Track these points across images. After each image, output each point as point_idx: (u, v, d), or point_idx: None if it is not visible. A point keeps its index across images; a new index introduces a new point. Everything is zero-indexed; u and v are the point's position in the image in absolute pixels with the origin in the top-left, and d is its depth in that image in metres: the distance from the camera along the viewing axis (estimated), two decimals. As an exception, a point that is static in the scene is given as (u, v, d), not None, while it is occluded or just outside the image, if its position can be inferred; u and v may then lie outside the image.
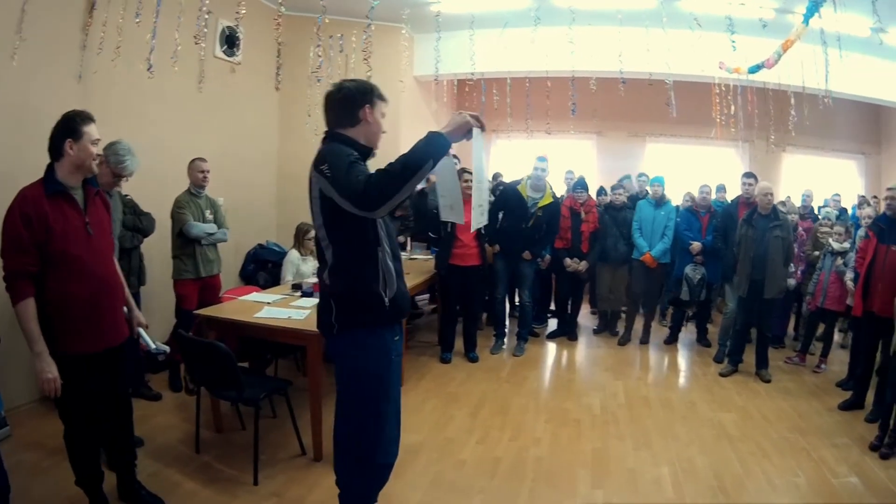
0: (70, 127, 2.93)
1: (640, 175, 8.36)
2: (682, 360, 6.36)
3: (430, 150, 2.32)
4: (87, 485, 3.13)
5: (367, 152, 2.61)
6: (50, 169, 2.92)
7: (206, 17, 5.78)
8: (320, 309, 2.69)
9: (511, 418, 4.70)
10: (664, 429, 4.45)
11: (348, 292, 2.59)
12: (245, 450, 3.84)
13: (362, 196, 2.28)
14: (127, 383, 3.39)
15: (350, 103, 2.61)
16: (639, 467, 3.84)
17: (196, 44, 5.72)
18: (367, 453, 2.70)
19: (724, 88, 7.85)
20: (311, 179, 2.49)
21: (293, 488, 3.51)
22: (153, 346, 3.40)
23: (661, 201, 6.67)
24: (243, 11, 5.93)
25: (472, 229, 2.73)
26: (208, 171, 5.20)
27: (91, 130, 2.99)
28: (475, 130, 2.47)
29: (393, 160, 2.30)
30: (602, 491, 3.56)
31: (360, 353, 2.61)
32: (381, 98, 2.66)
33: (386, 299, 2.57)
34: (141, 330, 3.32)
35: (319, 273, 2.69)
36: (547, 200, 6.24)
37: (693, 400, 5.06)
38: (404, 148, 2.32)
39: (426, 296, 8.33)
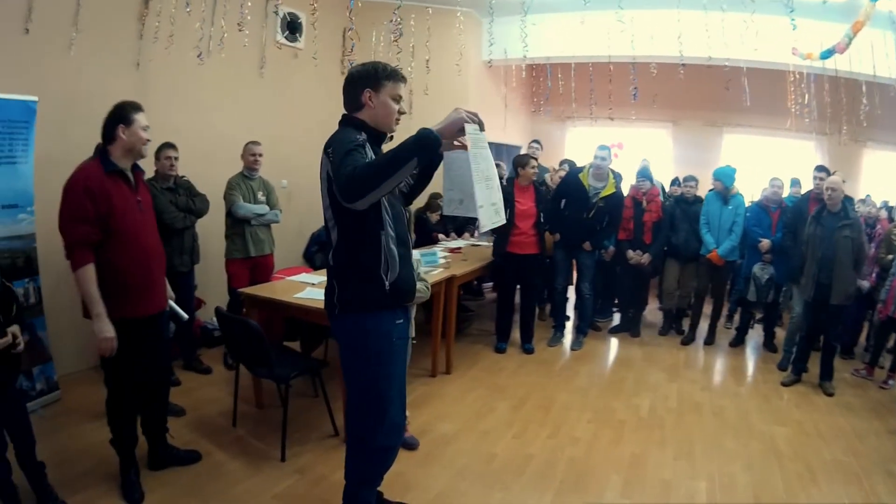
0: (122, 114, 3.17)
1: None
2: (745, 365, 6.05)
3: (416, 146, 2.29)
4: (122, 446, 3.35)
5: (380, 135, 2.62)
6: (104, 151, 3.18)
7: (261, 3, 5.90)
8: (326, 290, 2.71)
9: (553, 415, 4.61)
10: (710, 439, 4.25)
11: (349, 274, 2.61)
12: (280, 427, 3.87)
13: (345, 187, 2.28)
14: (167, 354, 3.78)
15: (351, 88, 2.61)
16: (675, 479, 3.66)
17: (240, 31, 5.84)
18: (367, 435, 2.74)
19: (798, 76, 7.39)
20: (322, 161, 2.51)
21: (317, 467, 3.56)
22: (183, 314, 3.68)
23: (728, 195, 6.33)
24: None
25: (484, 230, 2.61)
26: (260, 155, 5.33)
27: (140, 118, 3.22)
28: (469, 128, 2.41)
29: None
30: (629, 501, 3.42)
31: (360, 335, 2.63)
32: (391, 79, 2.60)
33: (386, 283, 2.58)
34: (170, 301, 3.57)
35: (325, 254, 2.71)
36: (609, 190, 6.04)
37: (747, 409, 4.81)
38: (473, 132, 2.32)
39: (490, 284, 8.30)
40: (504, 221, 2.69)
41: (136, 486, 3.30)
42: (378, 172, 2.27)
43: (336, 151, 2.39)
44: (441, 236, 7.39)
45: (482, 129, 2.52)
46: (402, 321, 2.72)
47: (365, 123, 2.58)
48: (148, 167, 4.40)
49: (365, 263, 2.58)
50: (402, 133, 2.51)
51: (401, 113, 2.66)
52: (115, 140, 3.17)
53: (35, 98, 4.35)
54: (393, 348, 2.68)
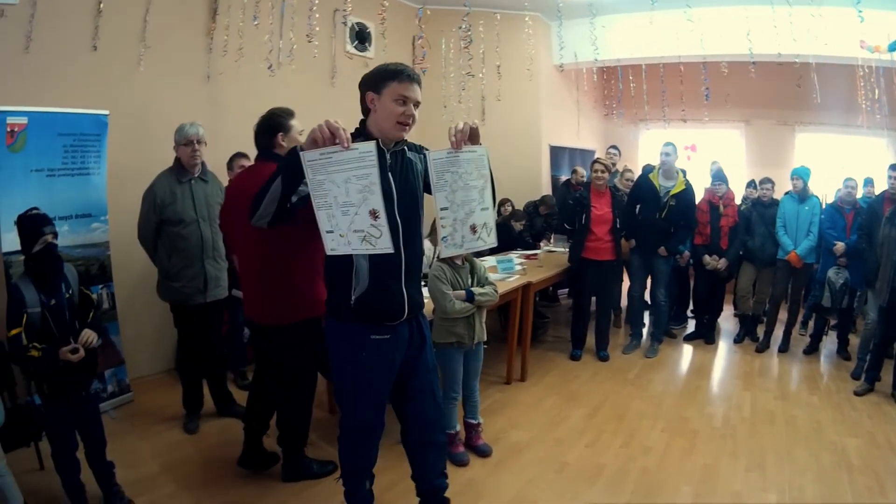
0: (279, 122, 3.45)
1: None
2: (818, 373, 5.98)
3: (281, 169, 2.43)
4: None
5: (388, 143, 2.54)
6: (267, 154, 3.39)
7: (329, 15, 6.23)
8: None
9: (627, 423, 4.71)
10: (782, 450, 4.28)
11: (326, 281, 2.73)
12: None
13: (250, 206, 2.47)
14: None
15: (360, 92, 2.59)
16: (746, 491, 3.73)
17: (309, 42, 6.08)
18: (340, 432, 2.85)
19: (866, 70, 7.18)
20: None
21: (388, 473, 3.51)
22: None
23: (804, 196, 6.28)
24: (355, 8, 6.49)
25: (444, 255, 2.61)
26: None
27: (296, 124, 3.50)
28: (306, 156, 2.30)
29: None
30: (700, 514, 3.51)
31: (330, 339, 2.71)
32: (394, 78, 2.47)
33: (352, 297, 2.56)
34: None
35: None
36: (679, 188, 6.05)
37: (820, 419, 4.81)
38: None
39: (565, 290, 8.41)
40: (378, 251, 2.40)
41: None
42: (260, 192, 2.41)
43: None
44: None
45: (345, 146, 2.28)
46: (384, 337, 2.63)
47: (368, 131, 2.54)
48: (222, 176, 4.75)
49: (335, 274, 2.61)
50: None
51: (407, 115, 2.49)
52: (276, 148, 3.38)
53: (106, 112, 4.62)
54: (361, 361, 2.62)
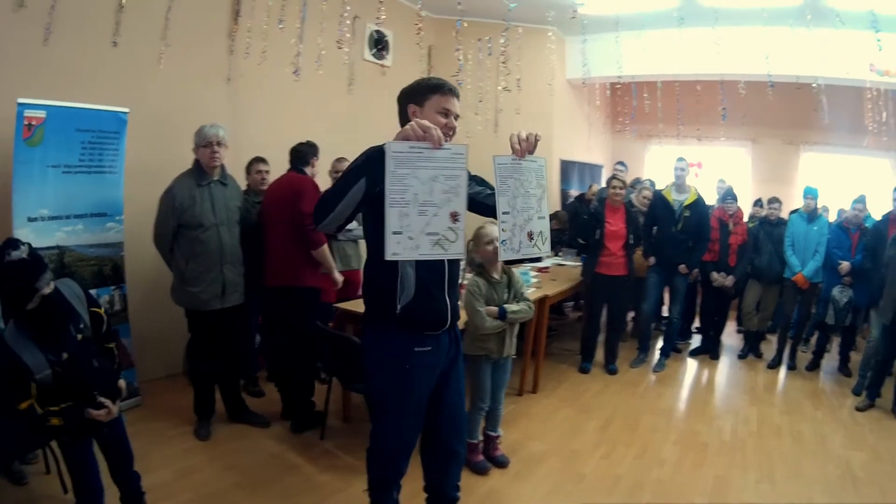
0: (315, 151, 4.62)
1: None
2: (821, 389, 6.15)
3: (364, 167, 2.31)
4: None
5: None
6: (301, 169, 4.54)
7: (350, 21, 6.37)
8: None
9: (639, 435, 4.84)
10: (790, 462, 4.44)
11: (369, 290, 2.66)
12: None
13: (314, 209, 2.41)
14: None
15: (400, 105, 2.62)
16: (757, 502, 3.88)
17: (339, 48, 6.20)
18: (371, 439, 2.84)
19: (875, 93, 7.38)
20: None
21: (408, 482, 3.23)
22: None
23: (813, 215, 6.45)
24: (383, 16, 6.45)
25: (388, 257, 2.43)
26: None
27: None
28: (394, 146, 2.23)
29: None
30: (715, 524, 3.65)
31: (371, 351, 2.66)
32: (436, 91, 2.52)
33: (398, 306, 2.53)
34: None
35: None
36: (692, 198, 6.23)
37: (825, 434, 4.98)
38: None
39: (570, 303, 8.53)
40: (450, 256, 2.43)
41: None
42: (334, 194, 2.33)
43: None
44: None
45: (436, 145, 2.26)
46: (426, 349, 2.63)
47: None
48: (240, 180, 4.74)
49: (379, 282, 2.57)
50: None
51: (449, 128, 2.52)
52: (308, 166, 4.55)
53: (126, 109, 4.57)
54: (404, 374, 2.60)
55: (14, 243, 2.61)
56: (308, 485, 3.81)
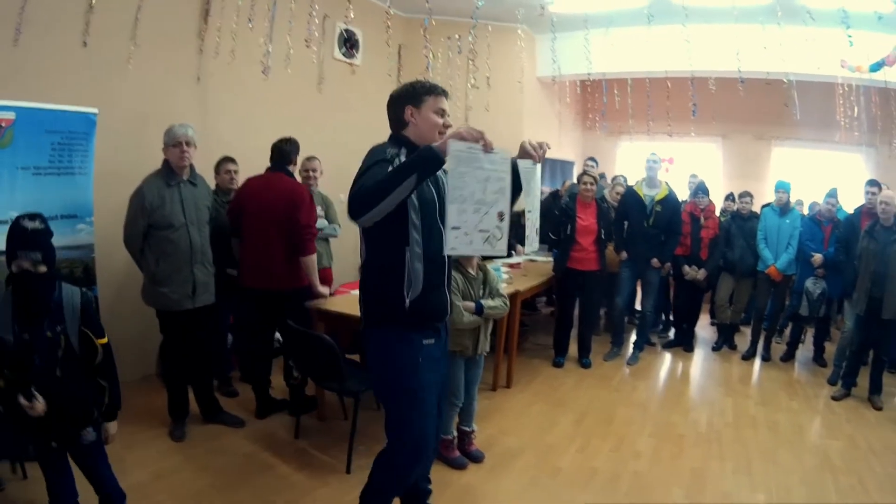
0: (297, 149, 4.66)
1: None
2: (796, 379, 6.16)
3: (416, 163, 2.30)
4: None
5: None
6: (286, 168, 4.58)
7: (319, 20, 6.28)
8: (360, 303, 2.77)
9: (615, 428, 4.80)
10: (767, 453, 4.42)
11: (372, 288, 2.68)
12: (343, 439, 4.03)
13: (350, 203, 2.33)
14: None
15: (394, 107, 2.68)
16: (735, 492, 3.85)
17: (307, 47, 6.10)
18: (391, 449, 2.77)
19: (846, 89, 7.45)
20: None
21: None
22: None
23: (786, 209, 6.48)
24: (352, 15, 6.35)
25: (447, 252, 2.46)
26: (315, 170, 5.38)
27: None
28: (456, 145, 2.29)
29: None
30: (694, 514, 3.60)
31: (380, 350, 2.68)
32: (431, 93, 2.63)
33: (406, 301, 2.58)
34: None
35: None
36: (663, 193, 6.24)
37: (801, 423, 4.97)
38: None
39: (543, 298, 8.48)
40: (496, 253, 2.52)
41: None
42: (378, 189, 2.29)
43: (363, 164, 2.48)
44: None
45: (485, 148, 2.34)
46: (431, 341, 2.73)
47: (409, 140, 2.62)
48: (209, 180, 4.65)
49: (386, 279, 2.60)
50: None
51: (445, 126, 2.65)
52: (292, 164, 4.62)
53: (95, 110, 4.43)
54: (416, 368, 2.65)
55: (35, 216, 2.72)
56: (283, 484, 3.76)
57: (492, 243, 2.43)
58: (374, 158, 2.45)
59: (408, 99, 2.64)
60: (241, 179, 4.93)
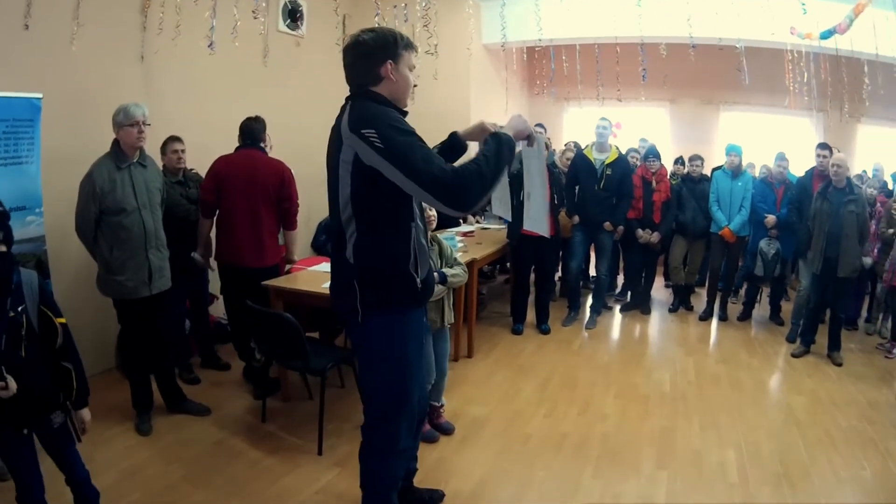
0: (264, 126, 4.72)
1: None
2: (754, 338, 6.24)
3: (509, 154, 2.24)
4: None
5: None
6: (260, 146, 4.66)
7: None
8: (340, 291, 2.47)
9: (580, 392, 4.79)
10: (732, 409, 4.46)
11: (377, 272, 2.36)
12: (311, 419, 3.98)
13: (454, 192, 2.10)
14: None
15: (367, 60, 2.31)
16: (705, 449, 3.88)
17: (255, 18, 5.90)
18: (393, 438, 2.59)
19: (796, 55, 7.47)
20: (343, 141, 2.23)
21: (356, 459, 2.99)
22: None
23: (737, 172, 6.51)
24: None
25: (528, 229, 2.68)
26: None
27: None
28: (521, 141, 2.41)
29: (479, 156, 2.20)
30: (666, 472, 3.62)
31: (389, 337, 2.43)
32: (409, 48, 2.36)
33: (418, 280, 2.39)
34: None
35: (337, 250, 2.43)
36: (613, 156, 6.27)
37: (763, 380, 5.05)
38: (475, 116, 2.41)
39: (496, 266, 8.43)
40: (543, 233, 3.07)
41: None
42: (488, 179, 2.14)
43: (388, 137, 2.13)
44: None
45: (531, 143, 2.50)
46: (426, 318, 2.74)
47: (385, 99, 2.31)
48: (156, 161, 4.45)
49: (395, 260, 2.35)
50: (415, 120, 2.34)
51: (414, 86, 2.45)
52: (263, 142, 4.68)
53: (39, 95, 4.18)
54: (422, 346, 2.61)
55: None
56: (255, 470, 3.65)
57: (545, 224, 3.05)
58: (404, 134, 2.16)
59: (388, 52, 2.31)
60: (188, 159, 4.86)
